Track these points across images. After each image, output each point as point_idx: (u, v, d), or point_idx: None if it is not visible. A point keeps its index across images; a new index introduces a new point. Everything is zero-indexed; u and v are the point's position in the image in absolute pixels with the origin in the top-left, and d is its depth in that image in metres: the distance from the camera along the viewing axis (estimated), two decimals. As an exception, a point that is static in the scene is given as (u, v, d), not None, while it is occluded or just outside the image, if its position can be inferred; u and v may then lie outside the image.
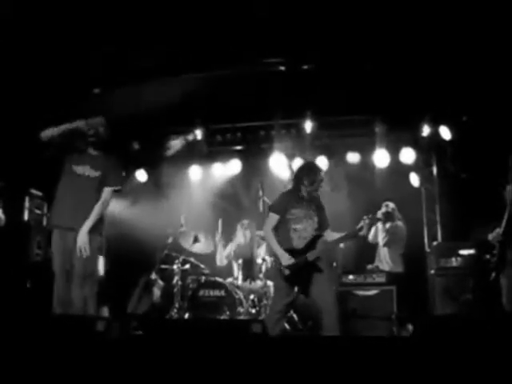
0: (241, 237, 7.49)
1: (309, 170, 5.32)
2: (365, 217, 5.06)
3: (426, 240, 8.07)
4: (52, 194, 4.75)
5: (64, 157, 4.72)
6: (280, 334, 5.05)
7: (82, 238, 4.43)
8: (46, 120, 4.72)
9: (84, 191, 4.58)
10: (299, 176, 5.29)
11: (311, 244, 5.08)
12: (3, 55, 6.29)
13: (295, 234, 5.12)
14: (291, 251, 5.04)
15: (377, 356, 2.79)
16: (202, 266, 7.37)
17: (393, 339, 4.95)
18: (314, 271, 5.01)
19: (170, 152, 8.62)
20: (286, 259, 4.99)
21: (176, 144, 8.64)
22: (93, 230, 4.51)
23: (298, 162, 8.12)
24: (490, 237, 5.68)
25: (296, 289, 5.07)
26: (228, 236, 7.66)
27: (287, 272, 4.99)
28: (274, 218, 5.18)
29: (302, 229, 5.12)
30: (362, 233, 5.06)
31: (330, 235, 5.25)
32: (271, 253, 5.79)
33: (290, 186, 5.45)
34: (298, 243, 5.09)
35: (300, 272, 4.98)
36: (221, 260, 7.53)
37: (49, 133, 4.58)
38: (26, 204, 7.42)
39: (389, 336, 5.92)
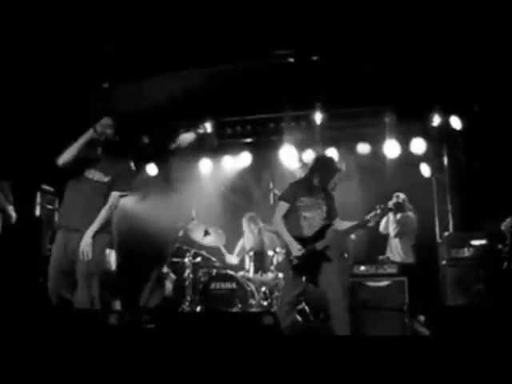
0: (248, 232, 7.47)
1: (326, 166, 5.28)
2: (377, 206, 5.05)
3: (437, 231, 8.03)
4: (62, 193, 4.75)
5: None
6: (291, 325, 5.05)
7: (86, 241, 4.42)
8: (56, 116, 4.70)
9: (92, 195, 4.55)
10: (315, 168, 5.27)
11: (320, 233, 5.08)
12: (14, 53, 6.32)
13: (305, 222, 5.12)
14: (301, 239, 5.05)
15: (387, 350, 2.79)
16: (214, 258, 7.38)
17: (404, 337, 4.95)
18: (322, 261, 5.01)
19: (180, 145, 8.63)
20: (296, 249, 5.00)
21: (186, 137, 8.65)
22: (100, 231, 4.51)
23: (308, 154, 8.12)
24: (503, 226, 5.65)
25: (304, 278, 5.06)
26: (237, 230, 7.65)
27: (296, 261, 5.00)
28: (283, 206, 5.18)
29: (311, 217, 5.12)
30: (371, 223, 5.05)
31: (340, 224, 5.24)
32: (283, 244, 5.79)
33: (300, 176, 5.44)
34: (308, 231, 5.10)
35: (309, 261, 4.98)
36: (234, 259, 7.56)
37: (65, 157, 4.49)
38: (38, 199, 7.45)
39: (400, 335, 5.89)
